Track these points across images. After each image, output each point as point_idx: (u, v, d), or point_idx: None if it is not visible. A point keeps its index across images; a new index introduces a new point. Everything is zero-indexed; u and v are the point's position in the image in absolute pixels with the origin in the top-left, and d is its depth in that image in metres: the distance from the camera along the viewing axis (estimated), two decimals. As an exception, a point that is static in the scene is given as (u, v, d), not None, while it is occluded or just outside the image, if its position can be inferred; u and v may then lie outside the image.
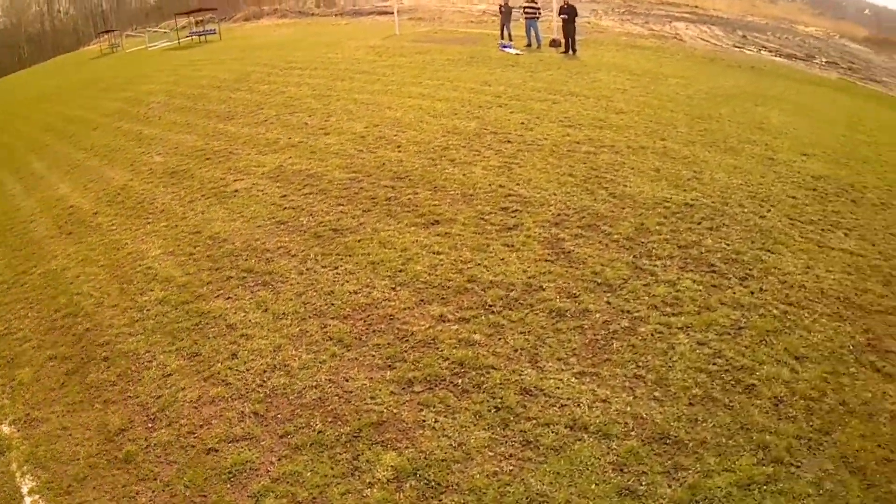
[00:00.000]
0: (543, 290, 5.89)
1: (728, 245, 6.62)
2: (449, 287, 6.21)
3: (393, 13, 33.39)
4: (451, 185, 8.46)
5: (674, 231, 6.87)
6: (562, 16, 19.23)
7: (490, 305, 5.83)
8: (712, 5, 30.85)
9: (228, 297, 7.07)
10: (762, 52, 22.11)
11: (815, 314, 5.49)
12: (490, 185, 8.31)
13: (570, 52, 19.49)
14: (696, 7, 33.16)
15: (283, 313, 6.58)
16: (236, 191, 10.11)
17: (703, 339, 5.10)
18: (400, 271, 6.68)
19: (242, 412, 5.14)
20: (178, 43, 38.13)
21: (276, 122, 13.83)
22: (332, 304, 6.50)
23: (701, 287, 5.80)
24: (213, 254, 8.19)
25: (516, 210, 7.49)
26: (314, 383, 5.34)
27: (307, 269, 7.25)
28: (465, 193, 8.14)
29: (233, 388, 5.42)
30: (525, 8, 20.96)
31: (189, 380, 5.66)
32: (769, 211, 7.66)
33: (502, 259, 6.46)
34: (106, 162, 14.43)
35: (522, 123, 11.10)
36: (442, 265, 6.56)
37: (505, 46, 20.45)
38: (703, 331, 5.20)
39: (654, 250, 6.44)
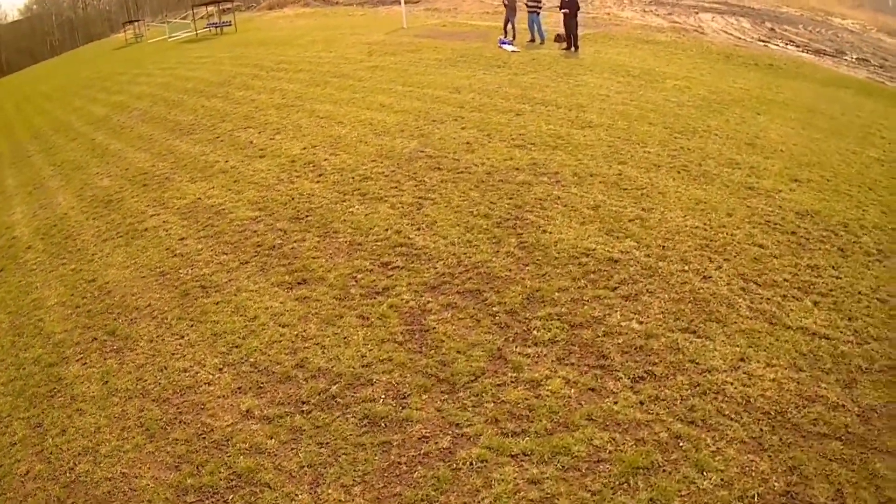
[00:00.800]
0: (371, 385, 4.66)
1: (639, 324, 5.20)
2: (273, 373, 5.05)
3: (415, 1, 32.29)
4: (345, 230, 7.25)
5: (574, 301, 5.49)
6: (563, 10, 17.63)
7: (303, 402, 4.66)
8: (746, -7, 28.46)
9: (84, 363, 6.35)
10: (789, 46, 19.90)
11: (722, 442, 4.07)
12: (386, 230, 7.06)
13: (573, 48, 17.91)
14: (730, -5, 30.71)
15: (117, 389, 5.81)
16: (146, 229, 9.16)
17: (536, 477, 3.77)
18: (236, 347, 5.54)
19: (49, 495, 4.66)
20: (196, 35, 37.69)
21: (226, 139, 12.87)
22: (159, 384, 5.54)
23: (572, 391, 4.43)
24: (93, 308, 7.33)
25: (397, 267, 6.22)
26: (110, 475, 4.73)
27: (158, 337, 6.26)
28: (354, 242, 6.92)
29: (51, 467, 4.96)
30: (527, 2, 19.45)
31: (24, 452, 5.24)
32: (719, 268, 6.17)
33: (345, 338, 5.23)
34: (64, 183, 13.75)
35: (467, 143, 9.77)
36: (280, 342, 5.39)
37: (504, 43, 18.98)
38: (543, 463, 3.87)
39: (534, 331, 5.08)
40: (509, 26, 20.38)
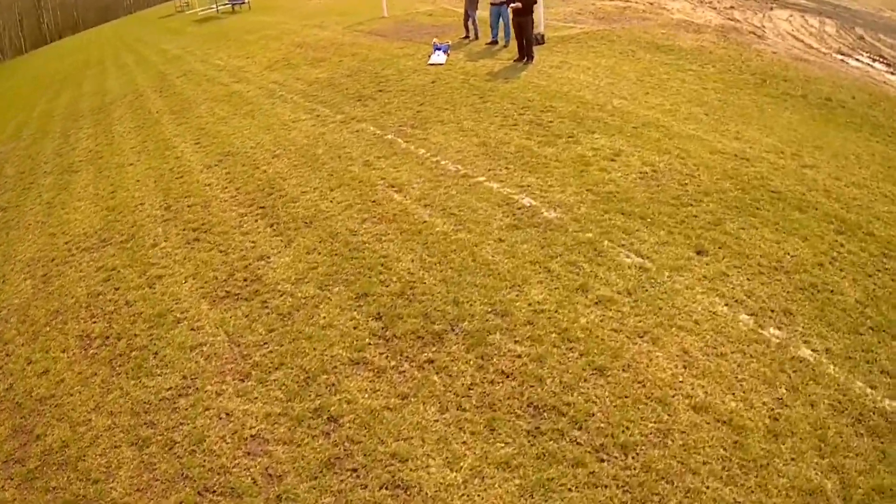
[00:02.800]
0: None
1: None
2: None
3: None
4: None
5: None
6: (512, 4, 12.08)
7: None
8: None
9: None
10: (875, 64, 13.18)
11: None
12: None
13: (527, 59, 12.35)
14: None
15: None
16: None
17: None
18: None
19: None
20: (217, 11, 34.06)
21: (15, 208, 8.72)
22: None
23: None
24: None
25: None
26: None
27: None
28: None
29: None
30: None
31: None
32: None
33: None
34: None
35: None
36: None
37: (438, 48, 13.64)
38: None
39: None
40: (470, 23, 14.98)
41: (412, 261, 6.01)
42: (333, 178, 8.10)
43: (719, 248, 5.65)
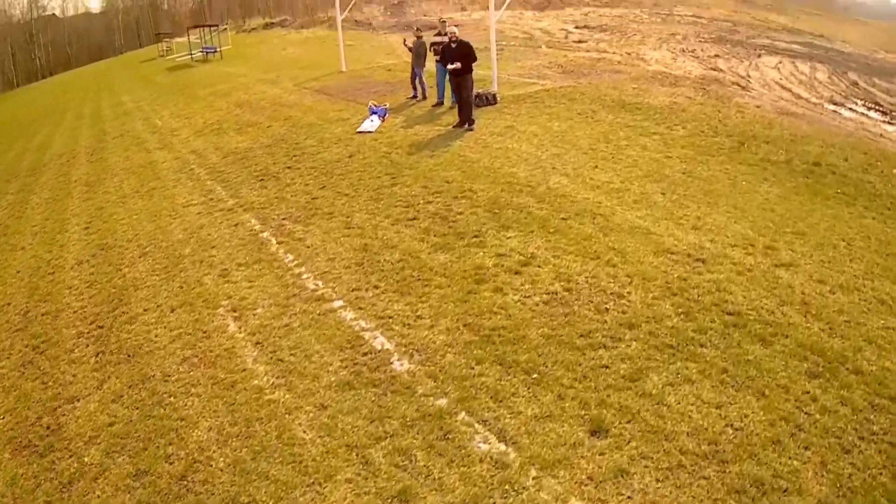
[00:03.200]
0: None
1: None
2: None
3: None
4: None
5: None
6: (451, 65, 10.59)
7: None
8: (844, 35, 19.60)
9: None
10: (871, 113, 11.51)
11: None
12: None
13: (468, 125, 10.81)
14: (821, 36, 21.80)
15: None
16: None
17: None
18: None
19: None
20: (191, 59, 33.24)
21: None
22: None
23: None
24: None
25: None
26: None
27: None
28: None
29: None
30: (432, 45, 12.62)
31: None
32: None
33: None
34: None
35: None
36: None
37: (374, 112, 12.17)
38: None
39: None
40: (417, 82, 13.57)
41: (209, 429, 4.32)
42: (181, 293, 6.45)
43: (628, 421, 3.85)
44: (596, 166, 8.62)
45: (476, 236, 6.32)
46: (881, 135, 10.52)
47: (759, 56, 19.13)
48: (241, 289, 6.06)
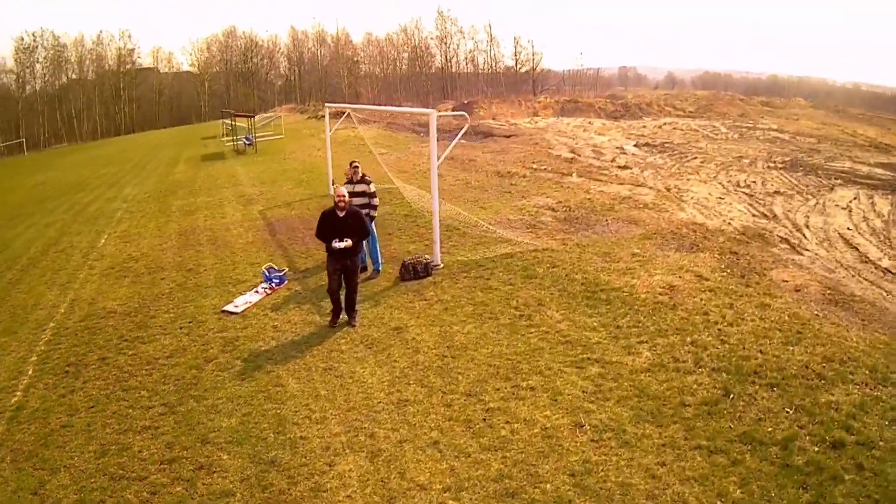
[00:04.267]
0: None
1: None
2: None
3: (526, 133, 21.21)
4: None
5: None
6: (338, 244, 7.75)
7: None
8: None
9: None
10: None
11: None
12: None
13: (351, 320, 7.91)
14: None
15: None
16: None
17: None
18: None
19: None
20: (234, 146, 30.98)
21: None
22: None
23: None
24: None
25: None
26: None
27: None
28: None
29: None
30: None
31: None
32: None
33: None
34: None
35: None
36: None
37: (268, 278, 9.51)
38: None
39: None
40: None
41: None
42: None
43: None
44: (448, 444, 5.29)
45: None
46: None
47: (832, 189, 15.08)
48: None
